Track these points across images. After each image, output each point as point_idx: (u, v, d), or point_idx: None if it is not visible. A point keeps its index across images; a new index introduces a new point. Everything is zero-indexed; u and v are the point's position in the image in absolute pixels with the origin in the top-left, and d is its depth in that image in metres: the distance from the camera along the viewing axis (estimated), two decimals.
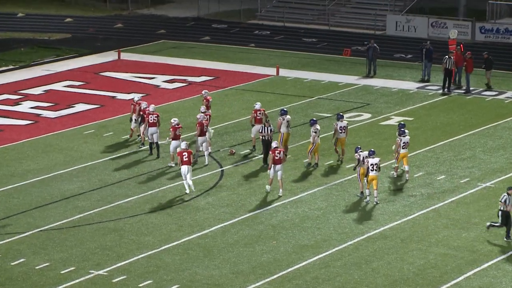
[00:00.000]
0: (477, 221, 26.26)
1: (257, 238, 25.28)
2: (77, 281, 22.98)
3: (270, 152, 27.89)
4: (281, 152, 27.89)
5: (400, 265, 23.69)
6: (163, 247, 24.65)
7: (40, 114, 35.86)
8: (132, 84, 39.90)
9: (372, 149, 27.57)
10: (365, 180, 27.31)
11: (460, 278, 23.15)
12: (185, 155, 28.05)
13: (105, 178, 29.38)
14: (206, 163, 30.22)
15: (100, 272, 23.33)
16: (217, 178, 29.35)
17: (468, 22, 46.50)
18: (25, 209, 27.09)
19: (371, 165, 27.04)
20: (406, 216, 26.54)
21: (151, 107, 31.20)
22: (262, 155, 30.34)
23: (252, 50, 45.55)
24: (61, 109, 36.19)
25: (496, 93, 38.84)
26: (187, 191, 28.17)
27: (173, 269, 23.49)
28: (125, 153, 31.53)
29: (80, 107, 36.87)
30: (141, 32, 48.68)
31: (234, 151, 31.52)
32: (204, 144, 30.27)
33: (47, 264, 23.72)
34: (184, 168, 28.00)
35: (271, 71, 41.58)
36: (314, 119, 30.63)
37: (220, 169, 30.13)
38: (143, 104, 31.79)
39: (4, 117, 35.50)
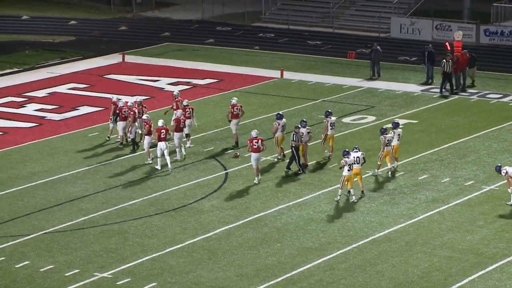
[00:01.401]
0: (481, 224, 26.28)
1: (261, 240, 25.31)
2: (81, 283, 23.02)
3: (248, 142, 28.67)
4: (259, 141, 28.59)
5: (404, 268, 23.71)
6: (168, 250, 24.69)
7: (45, 117, 35.96)
8: (136, 86, 39.98)
9: (356, 146, 27.92)
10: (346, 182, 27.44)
11: (465, 281, 23.15)
12: (162, 132, 29.57)
13: (110, 181, 29.42)
14: (178, 158, 30.64)
15: (105, 274, 23.36)
16: (222, 181, 29.39)
17: (472, 25, 46.56)
18: (30, 211, 27.16)
19: (356, 158, 27.15)
20: (411, 219, 26.55)
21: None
22: (288, 161, 29.82)
23: (257, 52, 45.63)
24: (65, 112, 36.30)
25: (501, 95, 38.86)
26: (159, 167, 29.38)
27: (178, 272, 23.52)
28: (130, 155, 31.58)
29: (84, 109, 36.94)
30: (146, 35, 48.81)
31: (238, 153, 31.55)
32: (177, 141, 30.59)
33: (51, 266, 23.77)
34: (162, 145, 29.42)
35: (276, 73, 41.63)
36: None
37: (225, 172, 30.15)
38: (120, 103, 31.93)
39: (9, 119, 35.63)
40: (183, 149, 31.10)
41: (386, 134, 29.30)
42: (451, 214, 26.95)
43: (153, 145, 30.72)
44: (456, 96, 38.62)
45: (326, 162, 30.69)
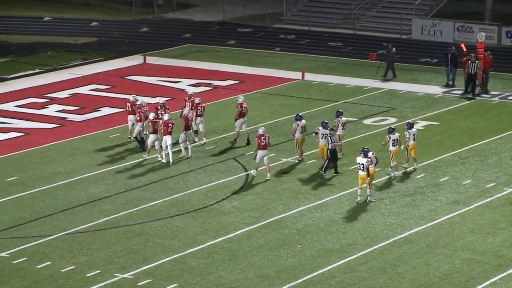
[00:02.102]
0: (503, 226, 26.21)
1: (282, 242, 25.33)
2: (102, 284, 23.10)
3: (256, 139, 29.22)
4: (267, 138, 28.94)
5: (425, 270, 23.68)
6: (188, 251, 24.76)
7: (66, 118, 36.13)
8: (157, 87, 40.10)
9: (366, 147, 27.91)
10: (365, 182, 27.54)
11: (486, 283, 23.08)
12: (170, 126, 30.43)
13: (131, 182, 29.54)
14: (190, 155, 31.12)
15: (126, 275, 23.44)
16: (242, 182, 29.44)
17: (494, 27, 46.41)
18: (51, 212, 27.29)
19: (368, 159, 27.22)
20: (432, 221, 26.53)
21: (166, 116, 30.81)
22: (324, 165, 29.73)
23: (277, 54, 45.70)
24: (87, 113, 36.46)
25: None
26: (164, 161, 30.08)
27: (198, 273, 23.58)
28: (151, 156, 31.69)
29: (106, 110, 37.08)
30: (167, 36, 48.96)
31: None
32: (183, 138, 31.07)
33: (73, 267, 23.87)
34: (168, 138, 30.37)
35: (297, 75, 41.68)
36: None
37: (245, 173, 30.20)
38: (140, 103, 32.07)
39: (31, 120, 35.80)
40: (190, 147, 31.19)
41: (393, 133, 29.28)
42: (472, 216, 26.90)
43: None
44: (478, 98, 38.55)
45: (351, 166, 30.59)
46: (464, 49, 39.31)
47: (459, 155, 31.34)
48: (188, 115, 31.30)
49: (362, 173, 27.33)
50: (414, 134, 29.77)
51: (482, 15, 49.11)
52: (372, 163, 27.49)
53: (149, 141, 31.05)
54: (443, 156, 31.33)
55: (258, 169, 29.60)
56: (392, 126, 30.44)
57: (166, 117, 30.74)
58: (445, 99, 38.43)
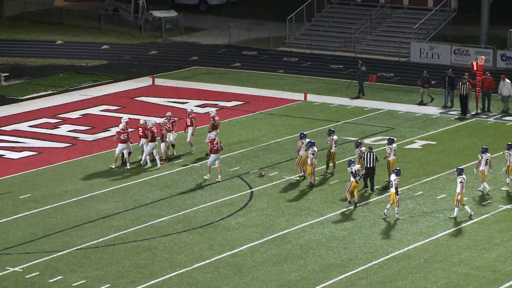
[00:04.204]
0: (498, 241, 26.64)
1: (285, 257, 25.69)
2: None
3: (209, 143, 31.70)
4: (219, 143, 31.31)
5: (423, 285, 24.02)
6: (195, 266, 25.08)
7: (78, 137, 36.46)
8: (165, 108, 40.18)
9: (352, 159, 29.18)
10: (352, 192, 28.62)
11: None
12: (155, 131, 32.63)
13: (140, 199, 29.98)
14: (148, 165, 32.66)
15: None
16: (247, 199, 29.90)
17: (489, 50, 46.83)
18: (63, 228, 27.63)
19: (355, 171, 28.47)
20: (430, 237, 26.91)
21: (150, 124, 32.85)
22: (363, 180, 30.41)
23: (281, 76, 45.94)
24: (97, 132, 36.82)
25: None
26: (149, 165, 31.88)
27: (204, 287, 23.92)
28: (159, 174, 32.21)
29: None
30: (175, 59, 49.09)
31: (263, 173, 32.19)
32: (154, 150, 32.74)
33: (83, 281, 24.18)
34: (154, 144, 32.46)
35: (299, 96, 41.99)
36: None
37: (250, 191, 30.71)
38: (150, 124, 33.36)
39: (44, 140, 36.14)
40: (158, 160, 32.59)
41: (360, 147, 30.49)
42: (469, 232, 27.27)
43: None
44: (474, 119, 38.84)
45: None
46: (474, 68, 39.67)
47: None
48: (152, 127, 32.78)
49: (392, 190, 28.01)
50: (394, 150, 30.67)
51: (478, 38, 49.47)
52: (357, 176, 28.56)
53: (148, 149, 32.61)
54: (440, 174, 31.77)
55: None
56: (359, 141, 31.89)
57: (150, 124, 32.55)
58: (442, 119, 38.75)
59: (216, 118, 34.39)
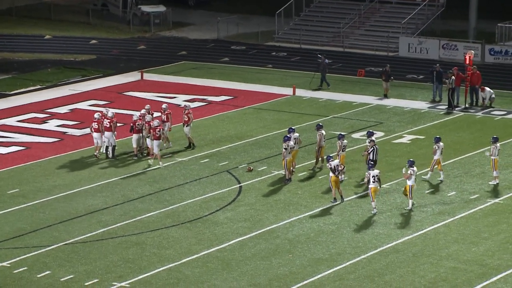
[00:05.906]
0: (486, 235, 26.76)
1: (273, 251, 25.79)
2: None
3: (152, 130, 32.20)
4: (161, 130, 32.08)
5: (411, 278, 24.15)
6: (183, 260, 25.16)
7: (66, 132, 36.49)
8: (154, 103, 40.28)
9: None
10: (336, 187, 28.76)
11: None
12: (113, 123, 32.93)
13: (128, 194, 30.01)
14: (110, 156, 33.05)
15: (123, 284, 23.84)
16: (236, 194, 29.96)
17: (478, 44, 47.01)
18: (51, 223, 27.66)
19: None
20: (418, 231, 27.02)
21: (110, 113, 33.32)
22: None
23: (270, 70, 46.03)
24: (86, 127, 36.62)
25: (505, 112, 39.22)
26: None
27: (193, 281, 23.99)
28: (147, 169, 32.25)
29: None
30: (163, 54, 49.17)
31: (252, 168, 32.27)
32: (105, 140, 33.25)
33: (71, 276, 24.24)
34: (108, 134, 32.76)
35: (288, 91, 42.12)
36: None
37: (238, 185, 30.75)
38: (134, 117, 33.59)
39: (32, 135, 36.14)
40: (110, 151, 33.07)
41: (342, 140, 30.85)
42: (456, 226, 27.40)
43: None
44: (462, 113, 39.01)
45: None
46: (467, 61, 39.72)
47: (444, 168, 31.62)
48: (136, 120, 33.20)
49: (373, 185, 28.02)
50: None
51: (466, 33, 49.63)
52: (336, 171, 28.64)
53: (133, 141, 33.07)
54: (428, 168, 31.89)
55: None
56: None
57: (110, 113, 33.09)
58: (431, 114, 38.87)
59: (189, 113, 34.04)
